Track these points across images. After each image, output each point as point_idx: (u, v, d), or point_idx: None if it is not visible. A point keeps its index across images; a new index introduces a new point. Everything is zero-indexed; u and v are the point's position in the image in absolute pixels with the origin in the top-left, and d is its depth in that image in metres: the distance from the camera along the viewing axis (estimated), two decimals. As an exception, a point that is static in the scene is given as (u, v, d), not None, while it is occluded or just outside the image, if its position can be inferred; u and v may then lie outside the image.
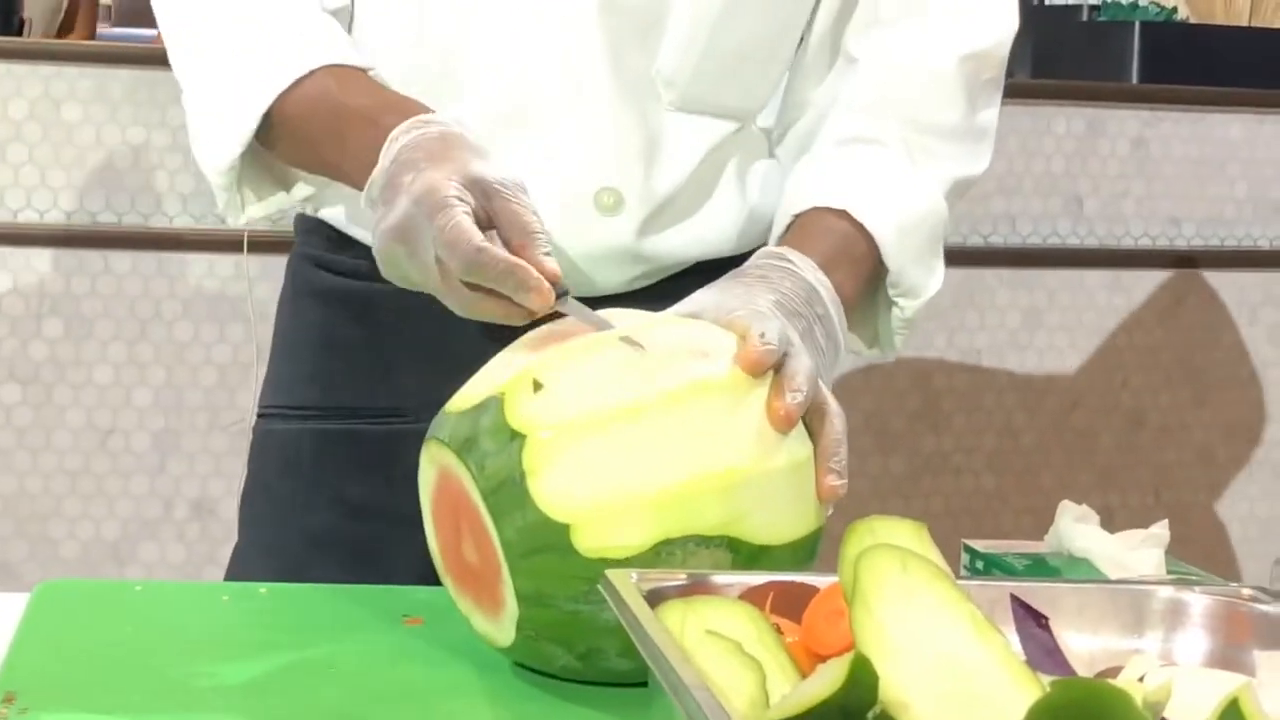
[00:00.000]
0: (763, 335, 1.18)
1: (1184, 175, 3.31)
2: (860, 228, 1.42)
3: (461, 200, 1.21)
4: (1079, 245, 3.27)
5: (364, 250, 1.39)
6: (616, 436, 1.12)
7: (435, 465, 1.18)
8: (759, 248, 1.42)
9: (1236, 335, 3.36)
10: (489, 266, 1.18)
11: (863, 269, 1.42)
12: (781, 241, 1.42)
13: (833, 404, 1.22)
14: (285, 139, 1.40)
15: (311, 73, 1.37)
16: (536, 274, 1.19)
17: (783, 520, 1.16)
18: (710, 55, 1.45)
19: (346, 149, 1.34)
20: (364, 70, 1.39)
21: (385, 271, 1.28)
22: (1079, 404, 3.28)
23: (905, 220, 1.44)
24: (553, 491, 1.11)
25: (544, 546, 1.11)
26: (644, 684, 1.10)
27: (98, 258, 2.81)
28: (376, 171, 1.28)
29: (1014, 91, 3.23)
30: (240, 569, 1.54)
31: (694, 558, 1.11)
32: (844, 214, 1.42)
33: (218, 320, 2.86)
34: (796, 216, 1.44)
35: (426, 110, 1.32)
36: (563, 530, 1.10)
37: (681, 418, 1.14)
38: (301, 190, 1.48)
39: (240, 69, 1.40)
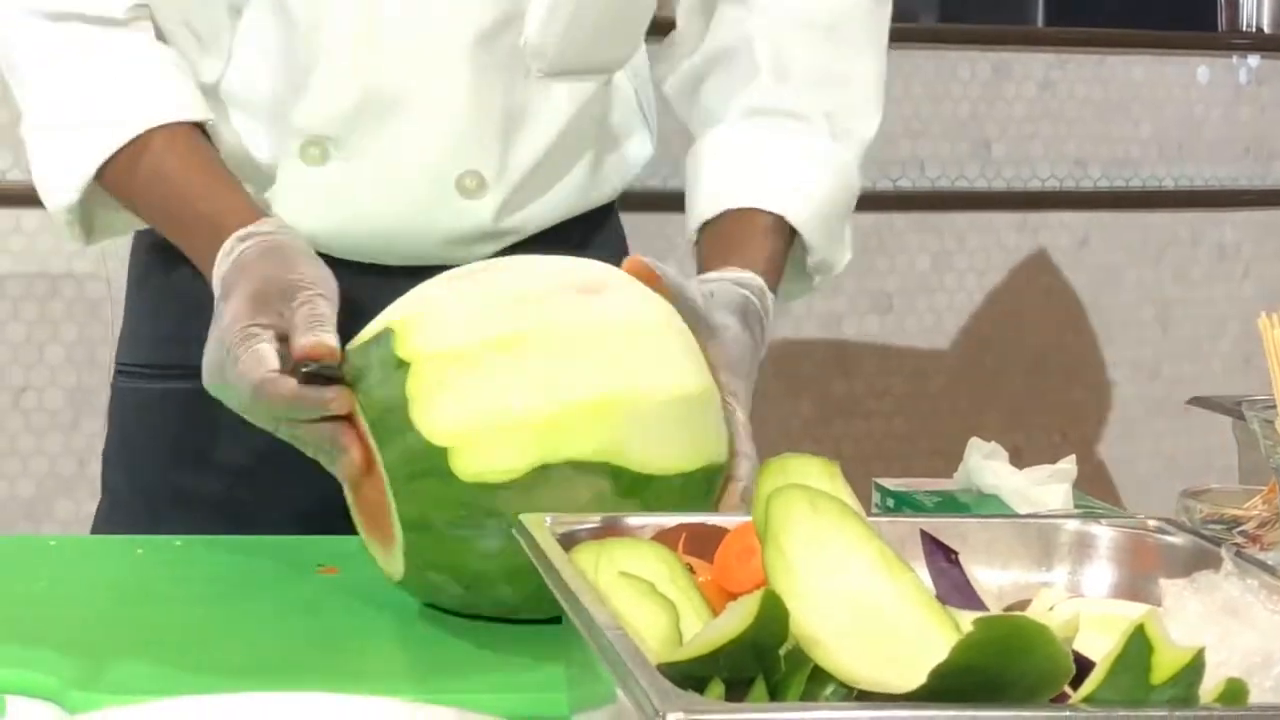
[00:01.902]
0: (745, 490, 1.21)
1: (1089, 117, 3.33)
2: (791, 228, 1.45)
3: (259, 326, 1.21)
4: (987, 188, 3.29)
5: None
6: (496, 364, 1.13)
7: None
8: (609, 199, 1.47)
9: (1141, 275, 3.39)
10: (275, 400, 1.17)
11: (783, 260, 1.46)
12: (737, 251, 1.43)
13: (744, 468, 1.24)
14: (123, 198, 1.40)
15: (144, 134, 1.36)
16: (316, 394, 1.17)
17: (668, 451, 1.16)
18: (578, 20, 1.44)
19: (187, 241, 1.36)
20: (199, 126, 1.38)
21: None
22: (987, 345, 3.31)
23: (830, 208, 1.47)
24: (432, 417, 1.12)
25: (424, 471, 1.12)
26: (546, 622, 1.11)
27: (9, 216, 2.78)
28: (215, 275, 1.29)
29: (920, 36, 3.27)
30: (107, 530, 1.52)
31: (571, 484, 1.12)
32: (778, 217, 1.44)
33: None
34: (728, 211, 1.46)
35: (254, 211, 1.33)
36: (441, 454, 1.11)
37: (562, 346, 1.15)
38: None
39: (77, 118, 1.39)
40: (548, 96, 1.45)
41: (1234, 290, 3.45)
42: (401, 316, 1.17)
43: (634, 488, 1.14)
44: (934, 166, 3.25)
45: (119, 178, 1.38)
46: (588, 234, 1.54)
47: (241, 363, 1.19)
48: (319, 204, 1.43)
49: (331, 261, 1.32)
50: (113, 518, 1.53)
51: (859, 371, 3.23)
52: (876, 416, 3.25)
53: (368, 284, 1.35)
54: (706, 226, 1.47)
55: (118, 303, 1.64)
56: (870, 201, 3.17)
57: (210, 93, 1.43)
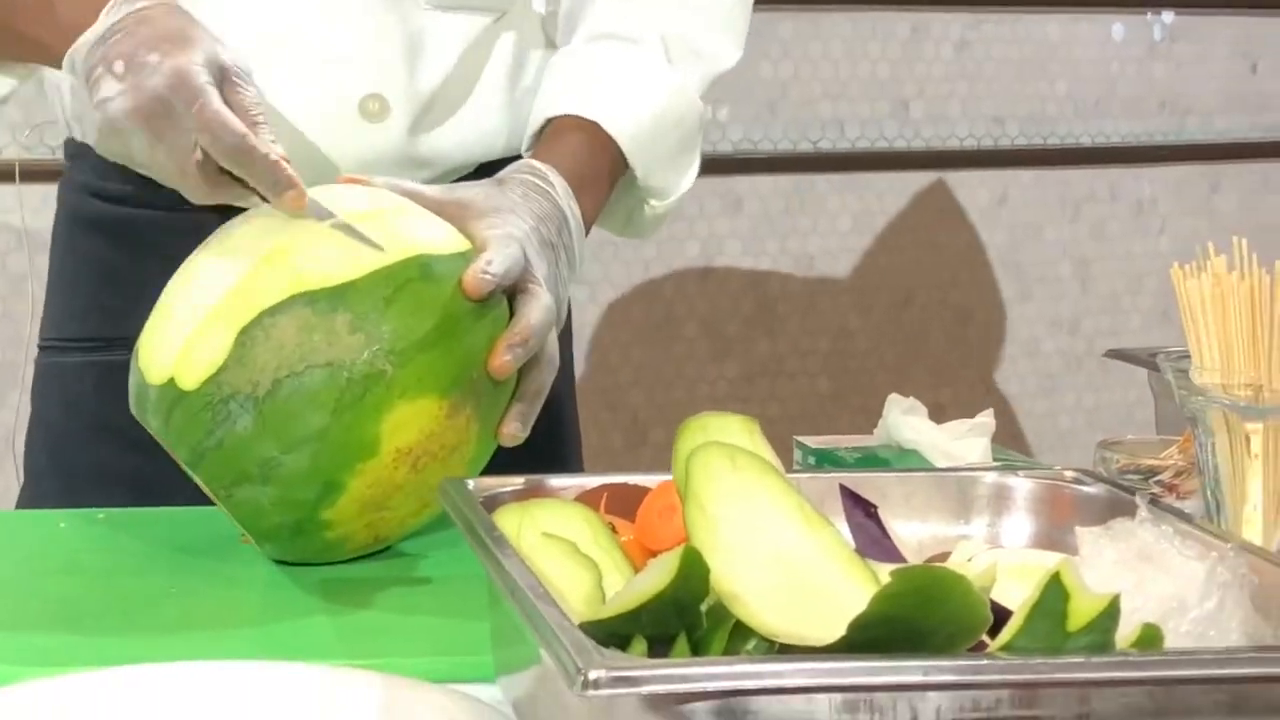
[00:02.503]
0: (490, 263, 1.21)
1: (1006, 76, 3.35)
2: (609, 137, 1.43)
3: (212, 87, 1.21)
4: (906, 148, 3.30)
5: (132, 175, 1.37)
6: (184, 295, 1.20)
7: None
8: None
9: (1058, 231, 3.42)
10: (251, 157, 1.19)
11: (607, 180, 1.44)
12: (535, 150, 1.43)
13: (549, 351, 1.25)
14: None
15: None
16: (292, 174, 1.20)
17: (352, 257, 1.18)
18: None
19: (50, 7, 1.30)
20: None
21: (106, 148, 1.26)
22: (909, 303, 3.33)
23: (655, 126, 1.45)
24: (154, 365, 1.19)
25: (170, 408, 1.18)
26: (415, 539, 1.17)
27: (-72, 193, 2.76)
28: (89, 35, 1.26)
29: (837, -4, 3.27)
30: (29, 498, 1.51)
31: (277, 331, 1.16)
32: (593, 124, 1.43)
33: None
34: (550, 120, 1.44)
35: None
36: (170, 385, 1.17)
37: (219, 249, 1.21)
38: None
39: None
40: (440, 26, 1.46)
41: (1151, 245, 3.48)
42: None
43: (335, 302, 1.16)
44: (853, 127, 3.26)
45: None
46: None
47: (211, 118, 1.20)
48: None
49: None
50: (34, 498, 1.52)
51: (783, 332, 3.24)
52: (801, 376, 3.26)
53: None
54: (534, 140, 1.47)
55: (39, 279, 1.63)
56: (791, 163, 3.21)
57: None
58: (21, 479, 1.56)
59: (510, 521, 0.94)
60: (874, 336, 3.31)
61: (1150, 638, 0.79)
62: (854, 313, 3.29)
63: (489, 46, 1.50)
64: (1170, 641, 0.80)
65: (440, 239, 1.22)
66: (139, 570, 1.22)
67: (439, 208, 1.26)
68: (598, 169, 1.43)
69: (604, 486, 1.02)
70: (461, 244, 1.23)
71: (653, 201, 1.50)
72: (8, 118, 2.76)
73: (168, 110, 1.20)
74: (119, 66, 1.22)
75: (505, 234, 1.25)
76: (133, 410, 1.23)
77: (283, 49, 1.41)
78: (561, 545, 0.91)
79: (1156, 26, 3.45)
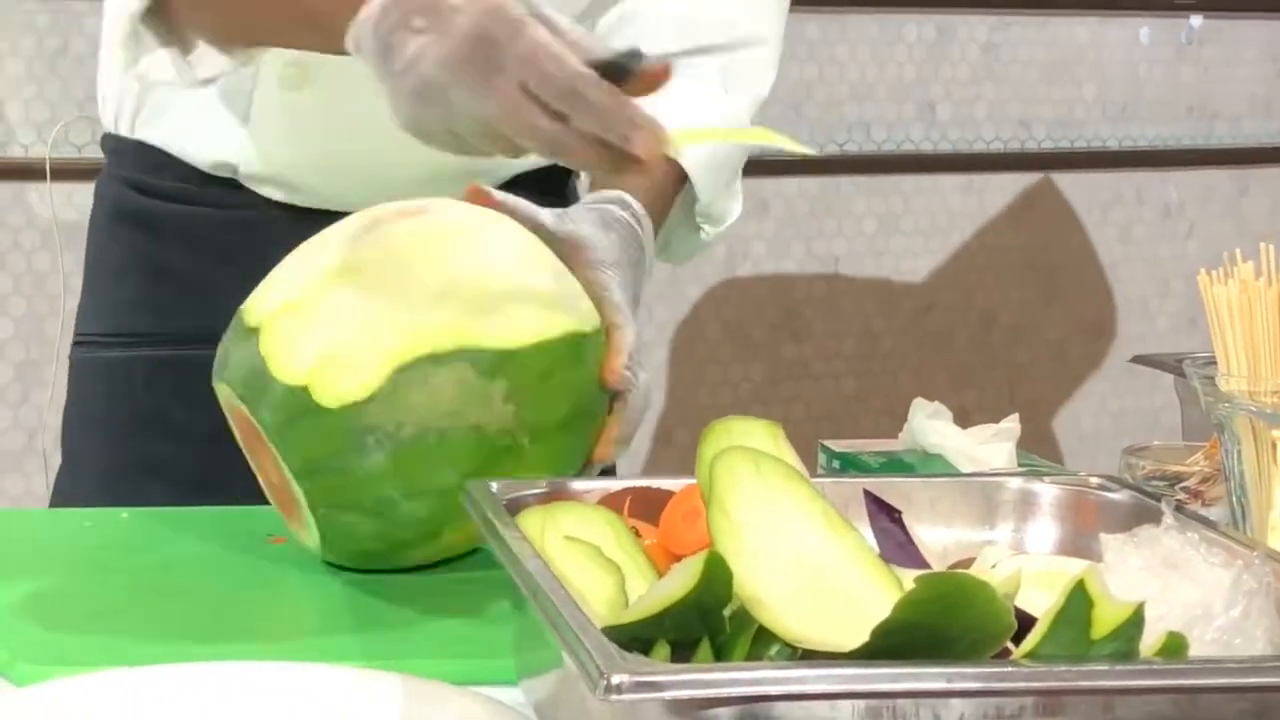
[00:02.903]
0: (630, 358, 1.20)
1: (1033, 79, 3.34)
2: (675, 165, 1.42)
3: (532, 18, 1.05)
4: (932, 150, 3.30)
5: (187, 171, 1.36)
6: (332, 296, 1.15)
7: (227, 407, 1.21)
8: None
9: (1085, 235, 3.41)
10: (593, 95, 1.03)
11: (669, 204, 1.45)
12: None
13: (642, 381, 1.23)
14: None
15: None
16: (649, 116, 1.04)
17: (520, 324, 1.16)
18: None
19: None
20: None
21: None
22: (934, 306, 3.32)
23: (719, 157, 1.46)
24: (286, 363, 1.14)
25: (295, 415, 1.13)
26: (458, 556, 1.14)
27: (-45, 192, 2.77)
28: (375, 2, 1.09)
29: (865, 0, 3.26)
30: (69, 496, 1.52)
31: (434, 379, 1.13)
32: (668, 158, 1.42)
33: (77, 249, 2.82)
34: None
35: None
36: (304, 393, 1.13)
37: (390, 262, 1.16)
38: (210, 65, 1.34)
39: None
40: None
41: (1178, 249, 3.47)
42: (249, 300, 1.19)
43: (496, 368, 1.14)
44: (879, 129, 3.25)
45: None
46: (566, 182, 1.57)
47: (544, 50, 1.03)
48: (297, 131, 1.42)
49: (309, 214, 1.34)
50: (73, 486, 1.53)
51: (808, 334, 3.24)
52: (826, 379, 3.26)
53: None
54: None
55: (69, 275, 1.64)
56: (816, 165, 3.21)
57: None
58: (52, 473, 1.57)
59: (533, 525, 0.94)
60: (898, 339, 3.30)
61: (1175, 646, 0.78)
62: (879, 315, 3.29)
63: None
64: (1195, 649, 0.80)
65: (586, 311, 1.20)
66: (163, 570, 1.22)
67: (553, 243, 1.24)
68: (666, 198, 1.43)
69: (627, 490, 1.02)
70: (595, 317, 1.21)
71: (708, 228, 1.50)
72: (34, 117, 2.77)
73: (487, 50, 1.04)
74: (418, 22, 1.06)
75: (627, 316, 1.23)
76: (218, 378, 1.19)
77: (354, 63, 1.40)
78: (585, 549, 0.91)
79: (1185, 30, 3.44)
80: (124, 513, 1.35)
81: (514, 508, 0.97)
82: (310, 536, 1.19)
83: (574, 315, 1.18)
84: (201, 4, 1.29)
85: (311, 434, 1.13)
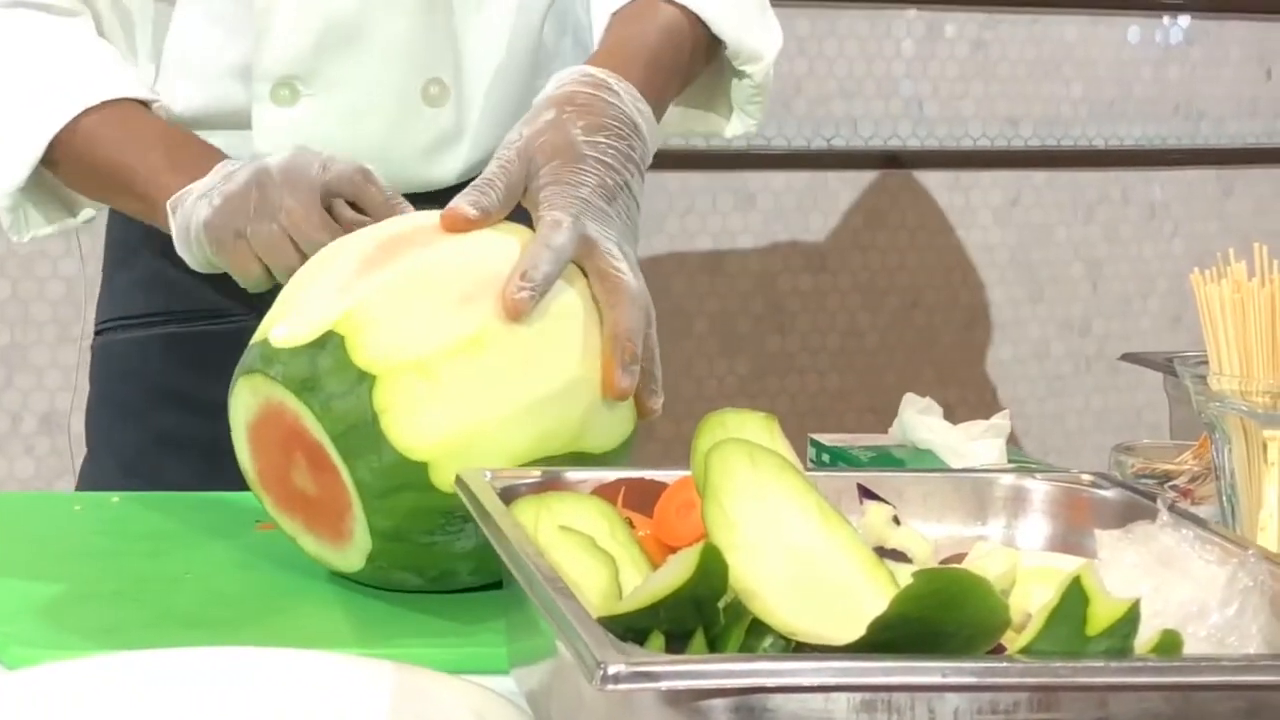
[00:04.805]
0: (524, 275, 1.14)
1: (1021, 77, 3.34)
2: (682, 9, 1.39)
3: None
4: (919, 147, 3.30)
5: None
6: (463, 369, 1.11)
7: (259, 396, 1.15)
8: None
9: (1070, 233, 3.41)
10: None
11: (686, 55, 1.40)
12: (600, 48, 1.38)
13: (631, 285, 1.19)
14: (75, 161, 1.42)
15: (92, 109, 1.40)
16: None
17: (613, 425, 1.18)
18: None
19: (168, 161, 1.38)
20: (147, 104, 1.43)
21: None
22: (919, 303, 3.32)
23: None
24: (408, 431, 1.09)
25: (402, 486, 1.10)
26: (491, 586, 1.11)
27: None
28: (210, 176, 1.33)
29: (855, -6, 3.27)
30: (92, 479, 1.53)
31: None
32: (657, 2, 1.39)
33: (64, 233, 2.81)
34: (615, 14, 1.41)
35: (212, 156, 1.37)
36: (420, 469, 1.09)
37: (515, 343, 1.13)
38: (86, 213, 1.52)
39: (22, 103, 1.42)
40: (488, 7, 1.48)
41: (1163, 248, 3.47)
42: (342, 317, 1.12)
43: (590, 465, 1.14)
44: (867, 125, 3.25)
45: (70, 146, 1.41)
46: None
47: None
48: (296, 135, 1.44)
49: None
50: (97, 471, 1.54)
51: (793, 329, 3.24)
52: (811, 373, 3.26)
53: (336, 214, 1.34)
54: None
55: (58, 259, 1.66)
56: (804, 160, 3.21)
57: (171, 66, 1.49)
58: (38, 458, 1.58)
59: (527, 514, 0.94)
60: (883, 335, 3.30)
61: (1170, 644, 0.79)
62: (864, 311, 3.29)
63: (537, 27, 1.51)
64: (1190, 647, 0.80)
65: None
66: (154, 554, 1.22)
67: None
68: (677, 43, 1.38)
69: (621, 480, 1.02)
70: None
71: (748, 69, 1.44)
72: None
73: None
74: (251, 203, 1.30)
75: (552, 220, 1.18)
76: (265, 374, 1.13)
77: (346, 47, 1.44)
78: (578, 539, 0.91)
79: (1173, 30, 3.44)
80: (114, 496, 1.35)
81: (508, 497, 0.97)
82: (342, 562, 1.15)
83: (631, 411, 1.20)
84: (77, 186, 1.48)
85: (414, 508, 1.10)
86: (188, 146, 1.39)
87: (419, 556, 1.13)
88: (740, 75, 1.45)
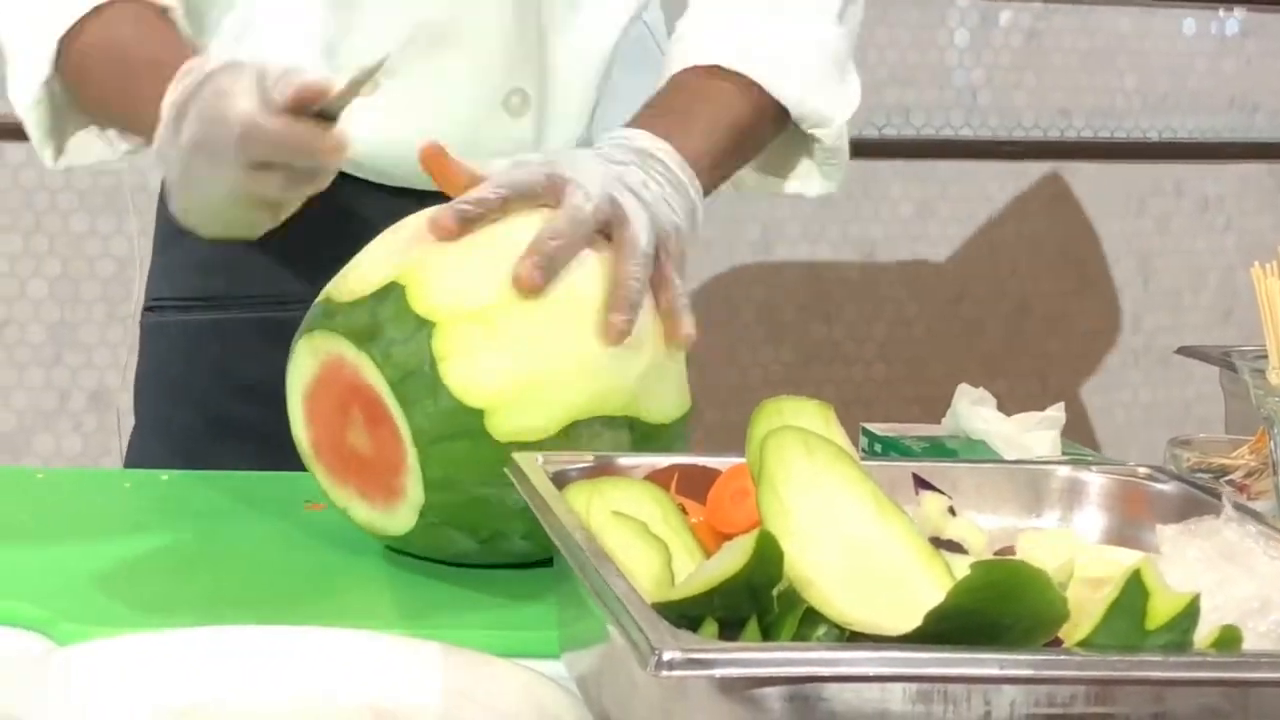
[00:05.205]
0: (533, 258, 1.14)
1: (1075, 67, 3.32)
2: (733, 76, 1.39)
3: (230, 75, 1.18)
4: (972, 137, 3.28)
5: None
6: (524, 320, 1.12)
7: (317, 356, 1.16)
8: None
9: (1122, 226, 3.39)
10: (268, 138, 1.15)
11: (736, 114, 1.38)
12: (635, 116, 1.37)
13: (636, 243, 1.17)
14: (78, 80, 1.38)
15: (102, 7, 1.35)
16: (311, 131, 1.16)
17: (670, 399, 1.18)
18: None
19: (138, 98, 1.30)
20: (163, 8, 1.37)
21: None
22: (967, 294, 3.31)
23: (784, 52, 1.42)
24: (465, 377, 1.10)
25: (456, 432, 1.10)
26: (539, 564, 1.11)
27: (-8, 150, 2.77)
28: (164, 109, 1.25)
29: (909, -18, 3.26)
30: (139, 455, 1.54)
31: (598, 439, 1.13)
32: (713, 67, 1.39)
33: (114, 212, 2.82)
34: (669, 79, 1.41)
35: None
36: (476, 415, 1.10)
37: (580, 302, 1.14)
38: (122, 144, 1.46)
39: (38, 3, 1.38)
40: (576, 14, 1.47)
41: (1215, 242, 3.45)
42: (403, 269, 1.14)
43: (645, 438, 1.15)
44: (919, 114, 3.24)
45: (78, 48, 1.36)
46: None
47: (213, 107, 1.17)
48: (368, 129, 1.43)
49: (368, 185, 1.37)
50: (147, 450, 1.54)
51: (840, 318, 3.23)
52: (857, 363, 3.25)
53: (402, 206, 1.33)
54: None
55: (108, 237, 1.65)
56: (855, 148, 3.15)
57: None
58: (85, 435, 1.58)
59: (580, 499, 0.93)
60: (931, 325, 3.29)
61: (1229, 639, 0.78)
62: (912, 301, 3.28)
63: (625, 39, 1.51)
64: (1250, 642, 0.79)
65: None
66: (204, 532, 1.22)
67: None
68: (725, 101, 1.38)
69: (674, 467, 1.01)
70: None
71: (817, 133, 1.44)
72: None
73: (209, 153, 1.20)
74: (178, 122, 1.22)
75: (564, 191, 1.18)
76: (327, 328, 1.14)
77: (434, 47, 1.44)
78: (631, 524, 0.90)
79: (1229, 22, 3.42)
80: (164, 474, 1.35)
81: (560, 482, 0.97)
82: (391, 523, 1.15)
83: (688, 393, 1.21)
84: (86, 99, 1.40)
85: (467, 456, 1.11)
86: (152, 69, 1.29)
87: (470, 510, 1.13)
88: (810, 138, 1.45)
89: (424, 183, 1.40)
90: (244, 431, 1.47)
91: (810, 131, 1.44)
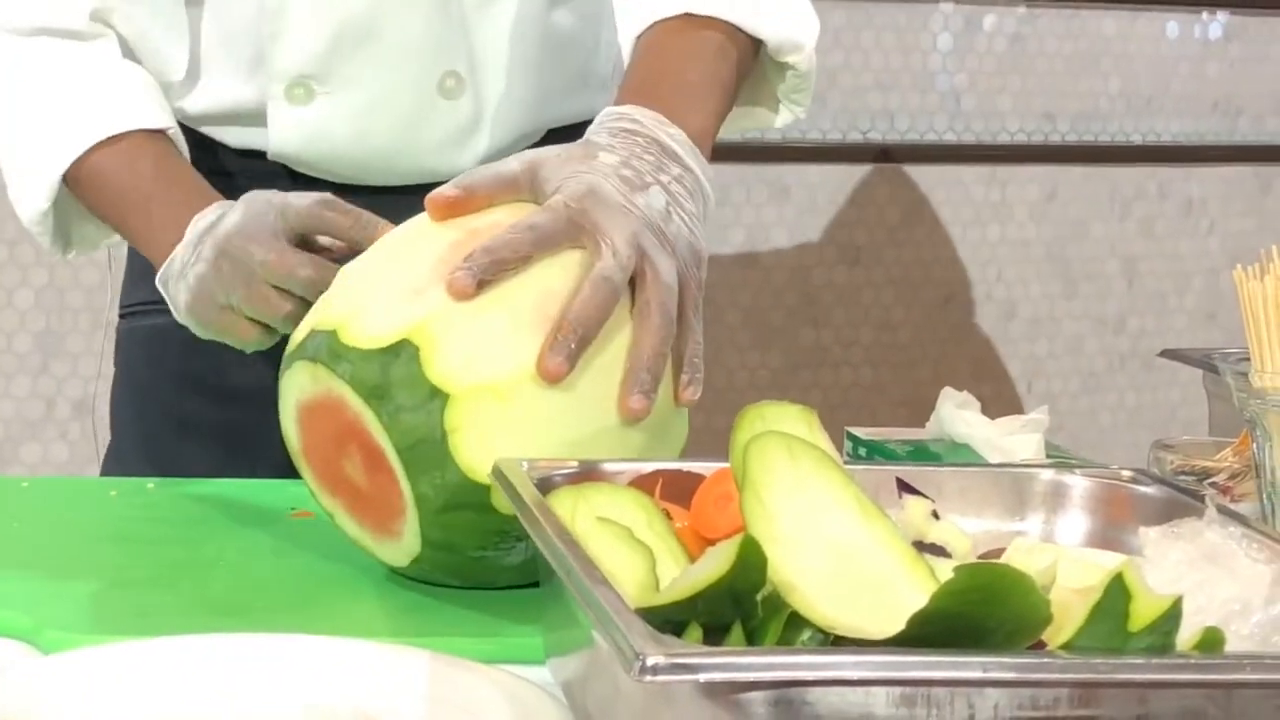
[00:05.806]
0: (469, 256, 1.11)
1: (1058, 71, 3.33)
2: (706, 21, 1.34)
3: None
4: (956, 141, 3.29)
5: (222, 149, 1.41)
6: (537, 395, 1.09)
7: (319, 384, 1.12)
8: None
9: (1106, 229, 3.40)
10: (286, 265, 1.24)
11: (724, 68, 1.34)
12: (624, 86, 1.33)
13: (664, 310, 1.13)
14: (89, 199, 1.44)
15: (112, 138, 1.40)
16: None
17: (674, 436, 1.18)
18: None
19: (150, 224, 1.38)
20: (164, 132, 1.43)
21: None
22: (953, 297, 3.31)
23: None
24: (476, 453, 1.07)
25: (462, 504, 1.08)
26: (530, 586, 1.11)
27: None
28: (180, 247, 1.32)
29: (892, -13, 3.26)
30: (113, 461, 1.54)
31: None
32: (683, 17, 1.33)
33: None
34: (638, 39, 1.35)
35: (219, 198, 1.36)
36: (483, 490, 1.07)
37: (601, 369, 1.11)
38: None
39: (40, 135, 1.43)
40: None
41: (1199, 245, 3.46)
42: (417, 326, 1.09)
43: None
44: (903, 119, 3.25)
45: (87, 173, 1.41)
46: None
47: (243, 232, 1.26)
48: (312, 139, 1.47)
49: (321, 186, 1.38)
50: (119, 454, 1.55)
51: (827, 322, 3.23)
52: (844, 367, 3.25)
53: (377, 205, 1.32)
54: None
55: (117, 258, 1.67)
56: (839, 153, 3.20)
57: (188, 72, 1.49)
58: (70, 443, 1.59)
59: (564, 504, 0.93)
60: (917, 329, 3.30)
61: (1212, 641, 0.78)
62: (898, 305, 3.28)
63: (544, 13, 1.52)
64: (1232, 645, 0.80)
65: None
66: (189, 540, 1.22)
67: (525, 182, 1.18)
68: (707, 56, 1.33)
69: (658, 472, 1.01)
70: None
71: (791, 59, 1.39)
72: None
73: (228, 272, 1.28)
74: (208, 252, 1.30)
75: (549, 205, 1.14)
76: (327, 364, 1.10)
77: (361, 44, 1.45)
78: (616, 530, 0.90)
79: (1212, 25, 3.43)
80: (150, 483, 1.35)
81: (545, 487, 0.96)
82: (388, 556, 1.14)
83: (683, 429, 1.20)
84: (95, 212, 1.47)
85: (471, 525, 1.09)
86: (171, 197, 1.38)
87: (467, 568, 1.12)
88: (783, 67, 1.41)
89: (381, 180, 1.42)
90: (211, 433, 1.48)
91: (785, 60, 1.39)
